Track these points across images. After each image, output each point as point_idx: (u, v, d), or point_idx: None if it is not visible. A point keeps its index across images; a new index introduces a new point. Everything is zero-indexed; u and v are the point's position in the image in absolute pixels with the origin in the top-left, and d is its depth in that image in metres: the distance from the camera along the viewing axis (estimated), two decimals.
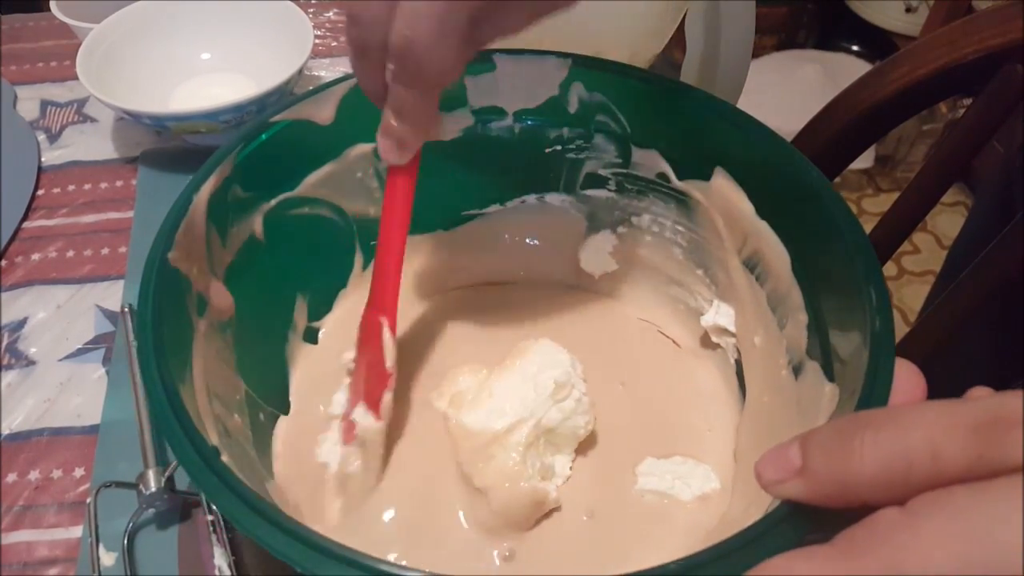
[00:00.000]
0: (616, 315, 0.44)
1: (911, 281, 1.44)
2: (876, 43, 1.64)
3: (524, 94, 0.39)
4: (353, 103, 0.38)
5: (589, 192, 0.42)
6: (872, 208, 1.55)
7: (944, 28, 0.53)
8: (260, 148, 0.36)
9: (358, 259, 0.43)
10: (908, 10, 1.57)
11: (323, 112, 0.38)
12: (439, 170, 0.42)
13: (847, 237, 0.30)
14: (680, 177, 0.39)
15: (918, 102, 0.55)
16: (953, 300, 0.54)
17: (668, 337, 0.43)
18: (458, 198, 0.43)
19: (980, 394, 0.24)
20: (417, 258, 0.44)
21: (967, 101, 0.60)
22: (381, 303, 0.36)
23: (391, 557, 0.33)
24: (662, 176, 0.39)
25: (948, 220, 1.51)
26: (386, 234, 0.35)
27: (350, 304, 0.43)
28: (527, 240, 0.45)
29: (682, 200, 0.39)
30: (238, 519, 0.24)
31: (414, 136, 0.31)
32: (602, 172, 0.41)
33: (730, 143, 0.36)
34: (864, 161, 1.52)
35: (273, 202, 0.38)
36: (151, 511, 0.38)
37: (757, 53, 1.68)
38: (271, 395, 0.38)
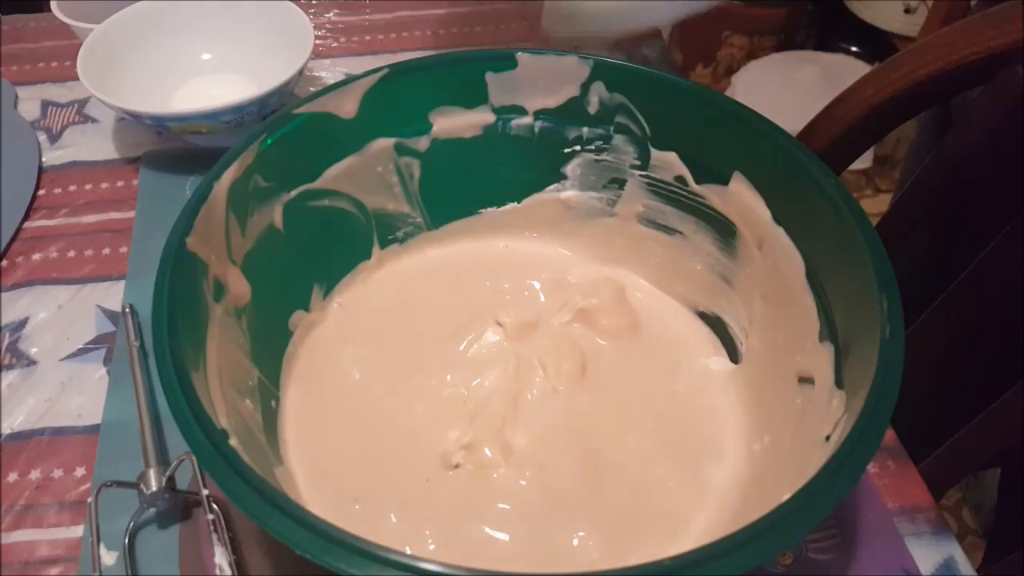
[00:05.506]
0: None
1: None
2: (875, 44, 1.64)
3: (545, 93, 0.40)
4: (376, 98, 0.38)
5: (606, 193, 0.42)
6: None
7: (944, 29, 0.53)
8: (282, 139, 0.36)
9: (375, 252, 0.43)
10: (907, 11, 1.57)
11: (346, 106, 0.38)
12: (458, 166, 0.42)
13: (863, 245, 0.30)
14: (698, 181, 0.39)
15: (918, 103, 0.55)
16: (949, 306, 0.54)
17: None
18: (476, 195, 0.44)
19: None
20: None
21: None
22: None
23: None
24: (680, 179, 0.39)
25: None
26: None
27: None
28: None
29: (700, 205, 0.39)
30: (241, 501, 0.24)
31: None
32: (620, 174, 0.41)
33: (749, 148, 0.36)
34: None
35: (293, 193, 0.38)
36: (152, 510, 0.38)
37: (757, 54, 1.68)
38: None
